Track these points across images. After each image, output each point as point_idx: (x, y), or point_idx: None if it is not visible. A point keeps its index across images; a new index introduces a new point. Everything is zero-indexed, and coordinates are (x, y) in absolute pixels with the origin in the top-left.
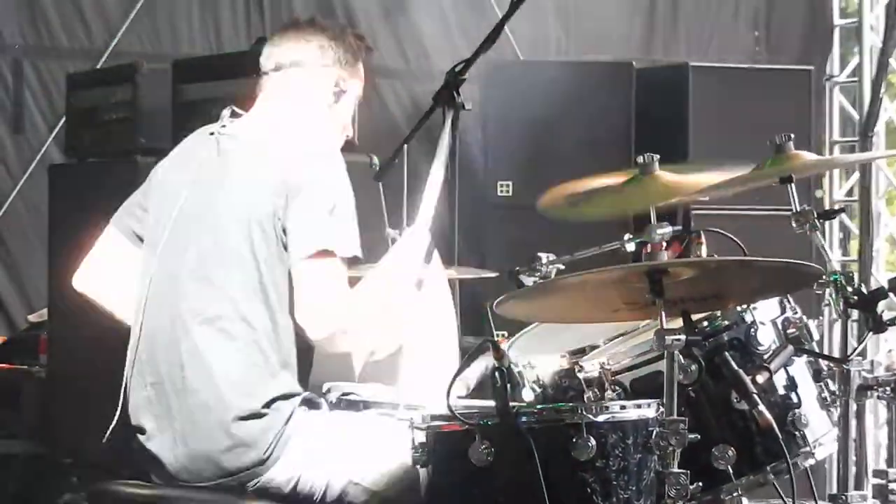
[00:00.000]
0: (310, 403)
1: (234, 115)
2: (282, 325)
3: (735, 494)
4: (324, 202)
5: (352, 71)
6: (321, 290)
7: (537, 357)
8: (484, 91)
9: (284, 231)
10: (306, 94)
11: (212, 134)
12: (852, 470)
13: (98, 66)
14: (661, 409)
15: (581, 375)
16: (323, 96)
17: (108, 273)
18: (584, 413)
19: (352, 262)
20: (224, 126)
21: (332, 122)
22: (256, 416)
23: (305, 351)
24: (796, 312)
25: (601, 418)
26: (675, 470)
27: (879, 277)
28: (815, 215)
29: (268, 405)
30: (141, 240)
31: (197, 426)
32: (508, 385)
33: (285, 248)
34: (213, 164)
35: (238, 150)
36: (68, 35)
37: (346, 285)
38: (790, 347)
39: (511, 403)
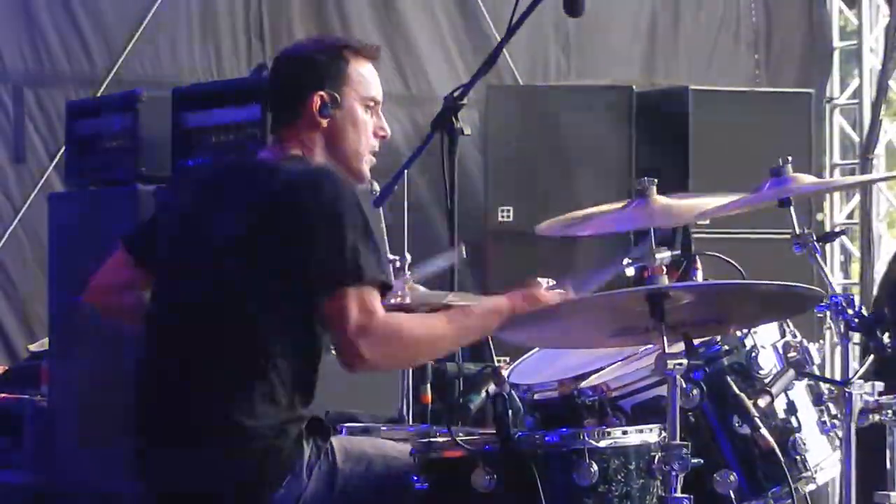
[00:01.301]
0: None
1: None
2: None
3: None
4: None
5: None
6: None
7: (538, 382)
8: (484, 116)
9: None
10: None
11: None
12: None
13: (99, 93)
14: (664, 433)
15: (582, 401)
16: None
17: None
18: (586, 438)
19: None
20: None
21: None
22: (261, 439)
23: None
24: (796, 336)
25: (603, 444)
26: (678, 495)
27: None
28: (816, 238)
29: (274, 430)
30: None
31: (199, 451)
32: (510, 411)
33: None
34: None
35: None
36: (69, 60)
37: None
38: (791, 371)
39: (512, 430)
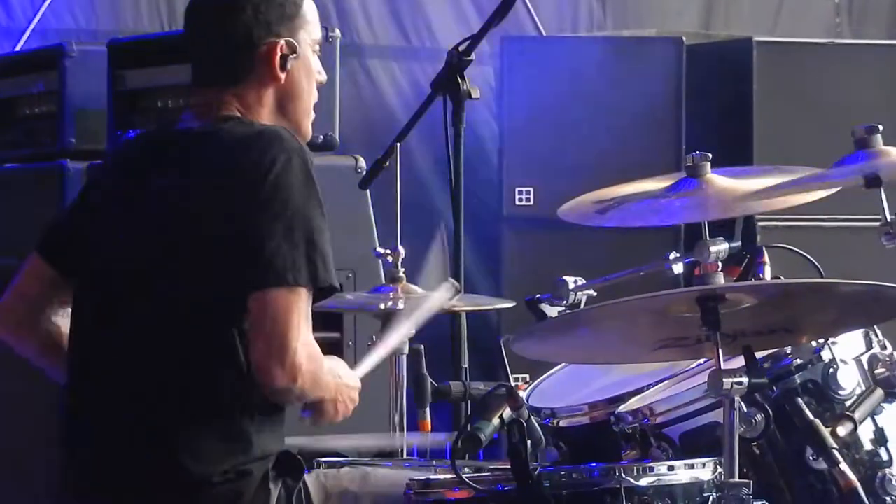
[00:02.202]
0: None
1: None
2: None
3: None
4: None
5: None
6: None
7: (564, 406)
8: (499, 75)
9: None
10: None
11: None
12: None
13: (17, 48)
14: (719, 469)
15: (618, 428)
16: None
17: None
18: (623, 476)
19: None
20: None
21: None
22: (216, 487)
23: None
24: (886, 348)
25: (644, 482)
26: None
27: None
28: None
29: (232, 473)
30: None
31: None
32: (528, 441)
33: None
34: None
35: None
36: None
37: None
38: (879, 391)
39: (531, 464)
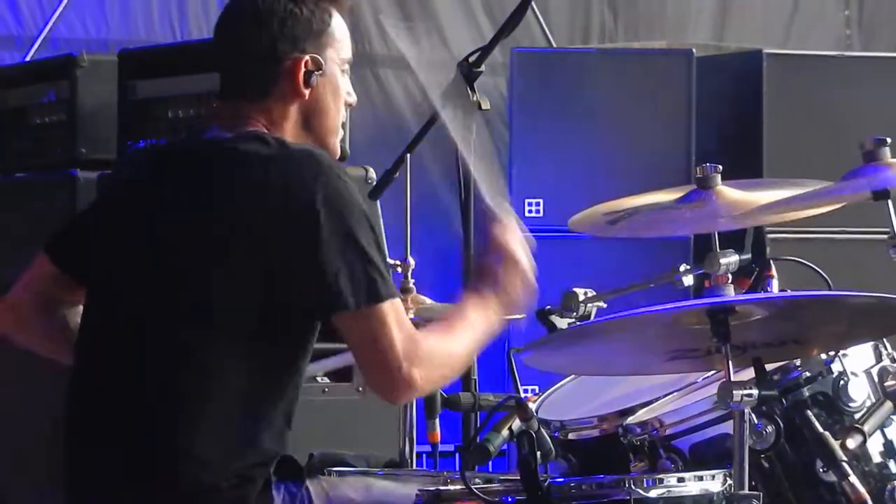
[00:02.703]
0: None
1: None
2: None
3: None
4: None
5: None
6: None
7: (574, 418)
8: (510, 86)
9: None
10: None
11: None
12: None
13: (28, 57)
14: (729, 481)
15: (627, 440)
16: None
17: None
18: (633, 487)
19: None
20: None
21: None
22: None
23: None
24: (895, 361)
25: (654, 493)
26: None
27: None
28: None
29: (236, 478)
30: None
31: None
32: (538, 453)
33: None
34: None
35: None
36: None
37: None
38: (888, 404)
39: (541, 476)
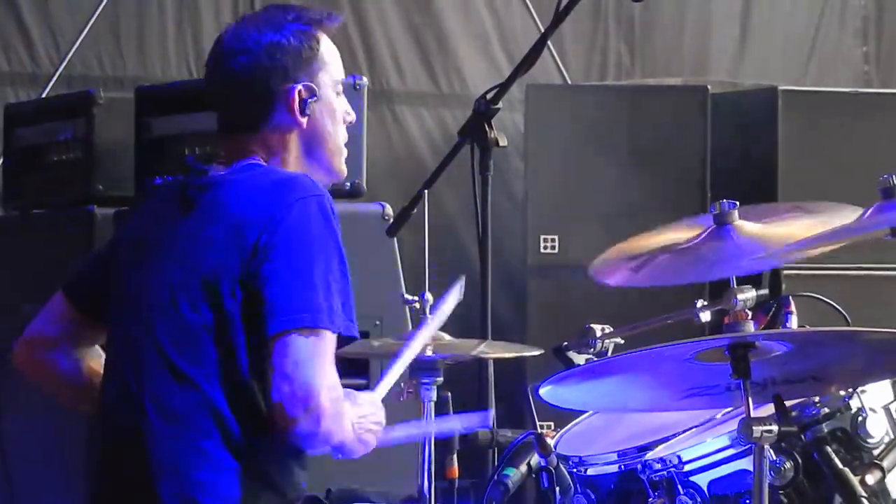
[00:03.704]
0: None
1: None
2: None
3: None
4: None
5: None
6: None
7: (592, 454)
8: (526, 122)
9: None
10: None
11: None
12: None
13: (44, 94)
14: None
15: (646, 476)
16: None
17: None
18: None
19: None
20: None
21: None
22: None
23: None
24: None
25: None
26: None
27: None
28: None
29: None
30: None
31: None
32: (557, 489)
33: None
34: None
35: None
36: (6, 53)
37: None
38: None
39: None
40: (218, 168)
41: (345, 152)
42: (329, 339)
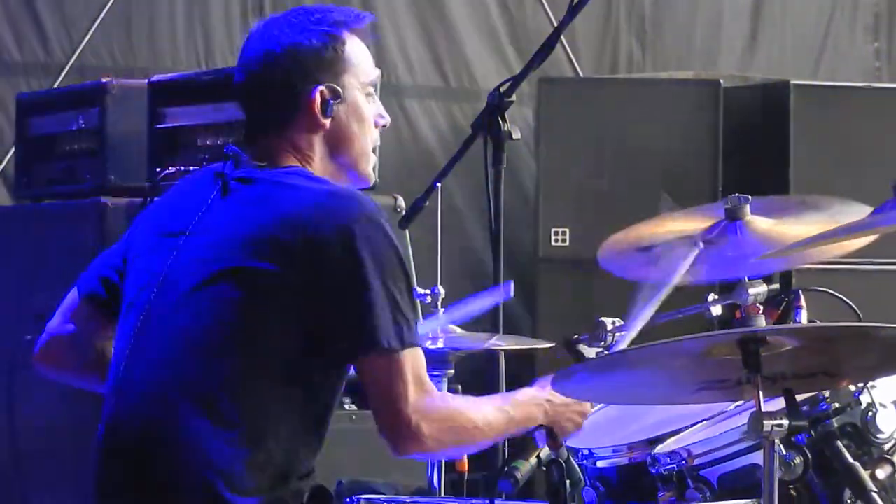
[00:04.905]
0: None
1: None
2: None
3: None
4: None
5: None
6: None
7: (602, 446)
8: (537, 116)
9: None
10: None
11: None
12: None
13: (56, 85)
14: None
15: (657, 470)
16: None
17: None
18: None
19: None
20: None
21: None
22: None
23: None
24: None
25: None
26: None
27: None
28: None
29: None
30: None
31: None
32: (567, 481)
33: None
34: None
35: None
36: (19, 44)
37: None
38: None
39: None
40: (259, 165)
41: (373, 158)
42: (407, 358)
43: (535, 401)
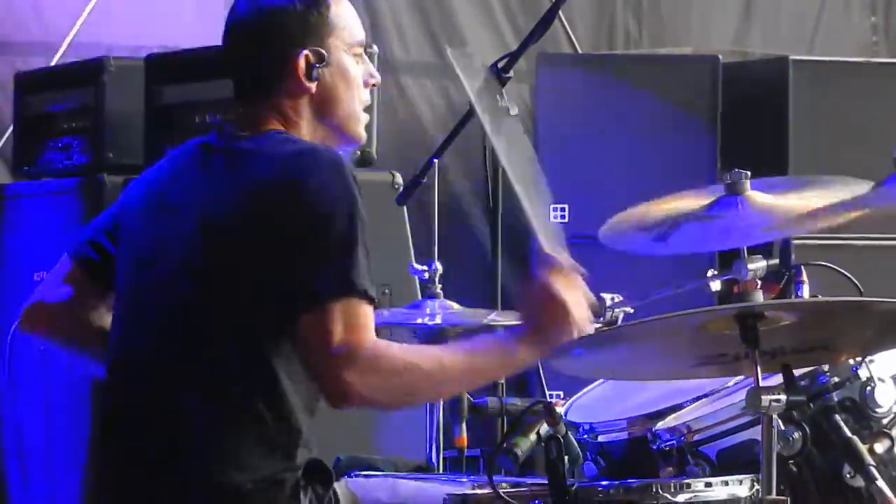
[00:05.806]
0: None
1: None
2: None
3: None
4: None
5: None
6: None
7: (602, 421)
8: (535, 92)
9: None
10: None
11: None
12: None
13: (54, 62)
14: (756, 486)
15: (656, 445)
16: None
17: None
18: (660, 492)
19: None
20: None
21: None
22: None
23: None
24: None
25: (682, 498)
26: None
27: None
28: None
29: (267, 481)
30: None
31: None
32: (566, 458)
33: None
34: None
35: None
36: (15, 24)
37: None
38: None
39: (569, 480)
40: (239, 135)
41: (363, 117)
42: (345, 309)
43: (504, 336)
